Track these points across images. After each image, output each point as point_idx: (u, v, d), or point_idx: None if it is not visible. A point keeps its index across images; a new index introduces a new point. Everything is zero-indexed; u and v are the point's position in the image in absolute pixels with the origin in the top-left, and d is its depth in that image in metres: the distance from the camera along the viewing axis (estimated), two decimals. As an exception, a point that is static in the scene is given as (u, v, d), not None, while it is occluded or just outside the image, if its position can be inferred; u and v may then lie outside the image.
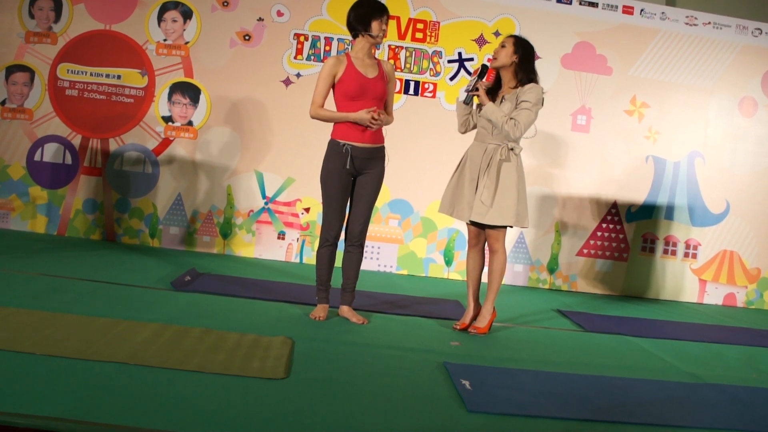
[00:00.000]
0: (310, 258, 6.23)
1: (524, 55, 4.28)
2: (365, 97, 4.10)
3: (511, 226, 4.28)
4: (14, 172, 6.19)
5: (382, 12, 4.13)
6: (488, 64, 4.34)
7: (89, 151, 6.21)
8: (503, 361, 3.79)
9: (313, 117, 4.22)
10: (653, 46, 6.56)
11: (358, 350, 3.64)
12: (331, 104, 4.19)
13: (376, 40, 4.15)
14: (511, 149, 4.25)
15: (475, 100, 4.36)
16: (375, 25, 4.10)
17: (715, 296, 6.72)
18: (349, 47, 4.27)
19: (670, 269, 6.65)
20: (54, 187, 6.20)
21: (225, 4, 6.23)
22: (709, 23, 6.64)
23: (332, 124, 4.21)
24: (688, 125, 6.62)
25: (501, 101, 4.27)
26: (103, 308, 3.88)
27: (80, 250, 5.67)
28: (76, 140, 6.20)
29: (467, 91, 4.30)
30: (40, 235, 6.10)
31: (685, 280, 6.68)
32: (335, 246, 4.24)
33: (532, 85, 4.25)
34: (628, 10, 6.54)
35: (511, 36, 4.36)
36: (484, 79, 4.32)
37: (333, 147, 4.18)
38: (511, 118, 4.16)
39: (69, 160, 6.20)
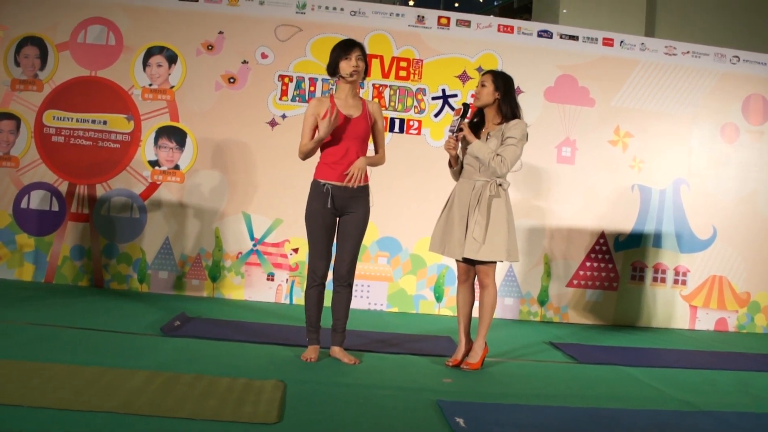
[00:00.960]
0: (300, 299, 6.20)
1: (506, 90, 4.32)
2: (345, 136, 4.13)
3: (503, 261, 4.30)
4: (0, 220, 6.17)
5: (348, 50, 4.14)
6: (469, 102, 4.38)
7: (76, 197, 6.20)
8: (497, 396, 3.77)
9: (301, 158, 4.26)
10: (634, 77, 6.64)
11: (351, 391, 3.61)
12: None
13: (348, 80, 4.16)
14: (500, 185, 4.28)
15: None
16: (343, 65, 4.14)
17: (706, 322, 6.73)
18: (333, 87, 4.30)
19: (661, 297, 6.66)
20: (41, 234, 6.18)
21: (209, 47, 6.28)
22: (688, 52, 6.74)
23: (315, 166, 4.24)
24: (671, 153, 6.69)
25: (487, 138, 4.31)
26: (93, 356, 3.85)
27: (68, 297, 5.64)
28: (63, 187, 6.19)
29: (451, 131, 4.32)
30: (28, 283, 6.06)
31: (675, 307, 6.69)
32: (323, 286, 4.23)
33: (516, 121, 4.29)
34: (608, 42, 6.64)
35: (489, 73, 4.39)
36: (466, 119, 4.35)
37: (315, 187, 4.20)
38: (497, 155, 4.19)
39: (56, 206, 6.19)
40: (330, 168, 4.16)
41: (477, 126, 4.45)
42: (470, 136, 4.27)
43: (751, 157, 6.82)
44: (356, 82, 4.23)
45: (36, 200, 6.18)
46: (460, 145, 4.39)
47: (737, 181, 6.80)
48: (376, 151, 4.34)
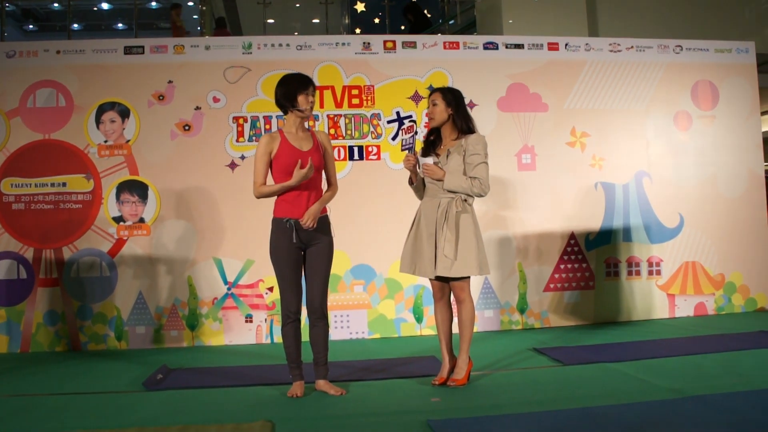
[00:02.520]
0: (281, 337, 6.15)
1: (457, 105, 4.37)
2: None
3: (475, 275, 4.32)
4: (-31, 295, 6.08)
5: (307, 85, 4.20)
6: (415, 119, 4.43)
7: (43, 262, 6.13)
8: (486, 409, 3.76)
9: (257, 197, 4.27)
10: (583, 77, 6.74)
11: (340, 422, 3.59)
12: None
13: (305, 114, 4.21)
14: (465, 200, 4.31)
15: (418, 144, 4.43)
16: (301, 99, 4.18)
17: (685, 308, 6.80)
18: (282, 120, 4.33)
19: (638, 289, 6.72)
20: (11, 304, 6.09)
21: (161, 98, 6.28)
22: (632, 47, 6.88)
23: (275, 201, 4.24)
24: (629, 147, 6.79)
25: (447, 154, 4.33)
26: (78, 420, 3.79)
27: (47, 364, 5.55)
28: (29, 253, 6.12)
29: (404, 149, 4.36)
30: (3, 355, 5.95)
31: (653, 298, 6.75)
32: (298, 321, 4.22)
33: (476, 136, 4.34)
34: (553, 46, 6.74)
35: (437, 91, 4.44)
36: (419, 137, 4.38)
37: (277, 224, 4.20)
38: (474, 178, 4.24)
39: (24, 274, 6.11)
40: (290, 204, 4.17)
41: (434, 144, 4.48)
42: (440, 173, 4.29)
43: (706, 142, 6.96)
44: (308, 117, 4.28)
45: (2, 270, 6.10)
46: (419, 161, 4.40)
47: (696, 167, 6.92)
48: (329, 182, 4.37)
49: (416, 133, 4.38)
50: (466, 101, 4.52)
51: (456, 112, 4.37)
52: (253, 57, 6.38)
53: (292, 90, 4.19)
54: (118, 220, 6.19)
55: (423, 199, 4.46)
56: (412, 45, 6.53)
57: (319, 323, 4.22)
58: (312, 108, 4.24)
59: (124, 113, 6.26)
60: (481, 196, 4.31)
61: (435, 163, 4.31)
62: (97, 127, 6.24)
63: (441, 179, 4.28)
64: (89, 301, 6.13)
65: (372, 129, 6.40)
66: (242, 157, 6.27)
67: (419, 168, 4.35)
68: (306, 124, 4.36)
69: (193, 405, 4.08)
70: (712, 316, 6.78)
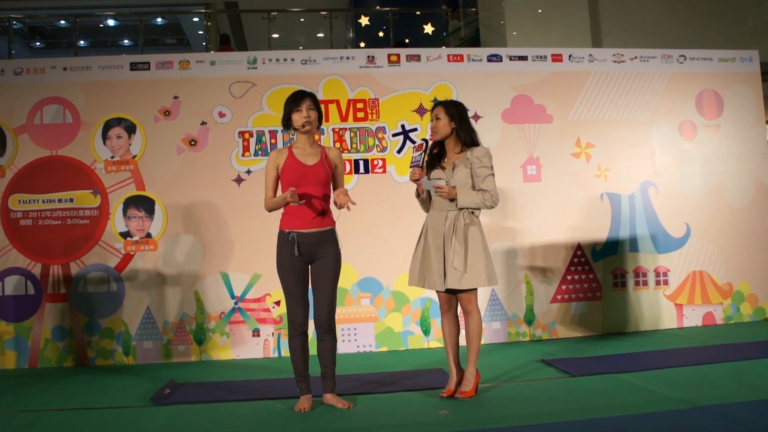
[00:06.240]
0: (288, 350, 6.14)
1: (460, 118, 4.38)
2: (306, 183, 4.16)
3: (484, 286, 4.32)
4: (-23, 311, 6.10)
5: (298, 102, 4.23)
6: (428, 137, 4.43)
7: (51, 278, 6.15)
8: (494, 421, 3.76)
9: (267, 210, 4.29)
10: (587, 88, 6.76)
11: (348, 436, 3.59)
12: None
13: (303, 129, 4.23)
14: (472, 212, 4.32)
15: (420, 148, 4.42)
16: (295, 117, 4.22)
17: (693, 318, 6.77)
18: (294, 137, 4.36)
19: (645, 299, 6.70)
20: (19, 320, 6.11)
21: (167, 113, 6.31)
22: (636, 58, 6.89)
23: (281, 215, 4.27)
24: (635, 158, 6.79)
25: (453, 167, 4.34)
26: (85, 437, 3.80)
27: (54, 379, 5.56)
28: (37, 269, 6.14)
29: (413, 166, 4.33)
30: (11, 371, 5.97)
31: (661, 308, 6.73)
32: (305, 334, 4.21)
33: (482, 148, 4.35)
34: (557, 57, 6.76)
35: (440, 105, 4.45)
36: (425, 154, 4.37)
37: (281, 237, 4.22)
38: (485, 191, 4.26)
39: (31, 290, 6.13)
40: (293, 217, 4.19)
41: (439, 157, 4.49)
42: (452, 193, 4.29)
43: (711, 151, 6.96)
44: (311, 131, 4.29)
45: (10, 286, 6.12)
46: (425, 173, 4.40)
47: (702, 176, 6.91)
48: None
49: (426, 150, 4.36)
50: (471, 113, 4.54)
51: (459, 126, 4.38)
52: (258, 72, 6.42)
53: (287, 111, 4.27)
54: (125, 235, 6.21)
55: (429, 212, 4.46)
56: (416, 58, 6.56)
57: (325, 337, 4.22)
58: (311, 123, 4.23)
59: (131, 129, 6.29)
60: (492, 207, 4.33)
61: (446, 183, 4.31)
62: (104, 142, 6.28)
63: (455, 198, 4.29)
64: (97, 316, 6.14)
65: (377, 142, 6.42)
66: (248, 172, 6.29)
67: (426, 184, 4.34)
68: (320, 140, 4.38)
69: (201, 419, 4.09)
70: (721, 325, 6.75)
